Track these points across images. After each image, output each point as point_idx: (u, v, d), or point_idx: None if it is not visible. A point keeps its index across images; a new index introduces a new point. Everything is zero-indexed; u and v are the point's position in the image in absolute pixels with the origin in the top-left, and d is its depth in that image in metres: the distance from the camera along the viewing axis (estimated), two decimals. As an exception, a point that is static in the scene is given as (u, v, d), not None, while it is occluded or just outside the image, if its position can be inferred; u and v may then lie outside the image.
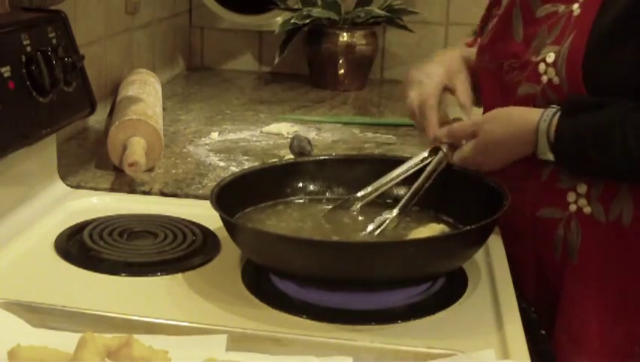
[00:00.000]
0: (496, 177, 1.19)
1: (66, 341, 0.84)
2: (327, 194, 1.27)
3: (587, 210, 1.19)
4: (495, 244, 1.21)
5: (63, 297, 1.01)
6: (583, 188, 1.18)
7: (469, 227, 1.06)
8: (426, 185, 1.21)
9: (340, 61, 2.30)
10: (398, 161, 1.26)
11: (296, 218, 1.20)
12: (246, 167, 1.51)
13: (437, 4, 2.49)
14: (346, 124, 1.91)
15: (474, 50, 1.38)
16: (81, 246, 1.17)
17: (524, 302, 1.12)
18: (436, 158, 1.23)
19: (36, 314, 0.95)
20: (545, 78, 1.18)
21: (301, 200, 1.25)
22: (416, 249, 1.01)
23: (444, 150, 1.24)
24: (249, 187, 1.20)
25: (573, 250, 1.21)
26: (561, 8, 1.20)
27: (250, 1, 2.50)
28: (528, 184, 1.23)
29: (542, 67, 1.18)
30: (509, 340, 0.95)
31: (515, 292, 1.08)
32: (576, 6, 1.17)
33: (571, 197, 1.20)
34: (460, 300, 1.05)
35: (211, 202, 1.08)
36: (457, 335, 0.97)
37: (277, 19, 2.39)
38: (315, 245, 1.03)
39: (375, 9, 2.28)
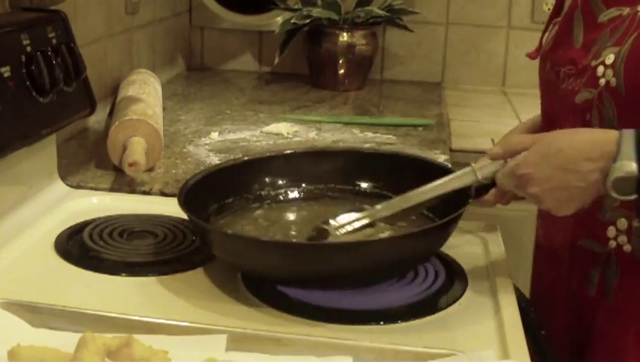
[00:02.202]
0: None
1: (66, 341, 0.84)
2: (295, 188, 1.26)
3: (627, 248, 1.12)
4: (495, 244, 1.21)
5: (63, 297, 1.00)
6: (623, 224, 1.11)
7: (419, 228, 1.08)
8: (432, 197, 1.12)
9: (340, 61, 2.30)
10: (365, 155, 1.25)
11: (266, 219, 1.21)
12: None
13: (437, 4, 2.50)
14: (346, 124, 1.91)
15: None
16: (81, 247, 1.17)
17: (524, 301, 1.11)
18: (459, 173, 1.10)
19: (36, 314, 0.95)
20: (603, 81, 1.09)
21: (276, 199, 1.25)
22: (371, 250, 1.02)
23: (474, 165, 1.09)
24: (215, 185, 1.20)
25: (609, 289, 1.14)
26: (626, 11, 1.12)
27: (250, 1, 2.50)
28: None
29: (600, 69, 1.10)
30: (509, 340, 0.95)
31: (515, 292, 1.08)
32: None
33: (611, 232, 1.12)
34: (460, 300, 1.05)
35: (179, 203, 1.09)
36: (457, 335, 0.97)
37: (277, 19, 2.39)
38: (277, 247, 1.05)
39: (375, 9, 2.28)
